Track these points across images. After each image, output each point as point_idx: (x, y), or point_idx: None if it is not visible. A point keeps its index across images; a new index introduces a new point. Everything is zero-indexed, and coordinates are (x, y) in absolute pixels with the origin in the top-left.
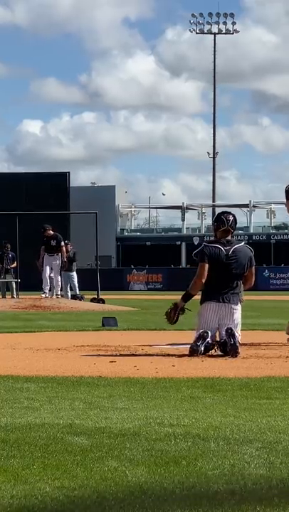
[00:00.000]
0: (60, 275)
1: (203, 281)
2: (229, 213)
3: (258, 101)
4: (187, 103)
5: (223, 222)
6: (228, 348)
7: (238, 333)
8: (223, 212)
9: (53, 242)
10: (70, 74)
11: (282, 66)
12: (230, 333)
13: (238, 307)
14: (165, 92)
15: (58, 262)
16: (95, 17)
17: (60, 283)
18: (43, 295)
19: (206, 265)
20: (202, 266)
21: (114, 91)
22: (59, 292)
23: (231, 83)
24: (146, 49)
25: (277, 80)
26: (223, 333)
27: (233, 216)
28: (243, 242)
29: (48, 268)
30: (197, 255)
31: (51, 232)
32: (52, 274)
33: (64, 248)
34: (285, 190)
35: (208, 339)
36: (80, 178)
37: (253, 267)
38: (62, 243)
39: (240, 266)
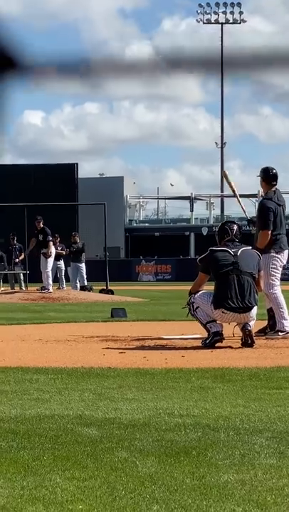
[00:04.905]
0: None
1: (199, 289)
2: (233, 223)
3: (258, 90)
4: (188, 93)
5: (227, 232)
6: (243, 338)
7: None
8: (226, 222)
9: (40, 237)
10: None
11: None
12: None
13: (254, 309)
14: (165, 82)
15: (44, 256)
16: (90, 7)
17: (49, 276)
18: (45, 291)
19: (205, 276)
20: (200, 276)
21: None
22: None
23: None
24: (144, 39)
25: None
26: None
27: (238, 225)
28: (250, 247)
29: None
30: (201, 261)
31: (41, 225)
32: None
33: (51, 243)
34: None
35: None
36: (84, 169)
37: (262, 272)
38: (50, 237)
39: (250, 265)
